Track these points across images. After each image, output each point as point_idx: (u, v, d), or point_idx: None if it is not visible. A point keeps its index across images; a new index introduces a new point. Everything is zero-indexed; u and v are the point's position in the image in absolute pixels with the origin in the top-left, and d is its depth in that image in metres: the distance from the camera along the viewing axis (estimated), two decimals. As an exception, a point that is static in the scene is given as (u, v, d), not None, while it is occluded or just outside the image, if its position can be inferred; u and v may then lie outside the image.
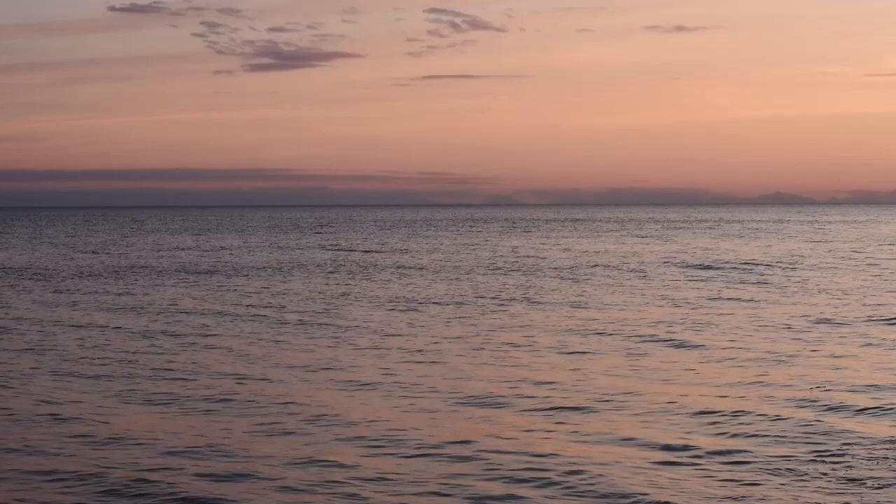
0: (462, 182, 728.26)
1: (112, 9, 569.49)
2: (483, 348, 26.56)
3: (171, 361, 24.98)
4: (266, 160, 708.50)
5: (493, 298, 39.63)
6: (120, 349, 27.21)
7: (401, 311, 35.48)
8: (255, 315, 34.82)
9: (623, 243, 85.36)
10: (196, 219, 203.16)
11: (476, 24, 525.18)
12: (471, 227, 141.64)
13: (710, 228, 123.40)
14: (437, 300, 39.11)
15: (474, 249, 77.35)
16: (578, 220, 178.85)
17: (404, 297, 40.27)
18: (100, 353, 26.48)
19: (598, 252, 71.96)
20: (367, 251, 75.83)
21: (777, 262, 59.05)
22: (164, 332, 30.55)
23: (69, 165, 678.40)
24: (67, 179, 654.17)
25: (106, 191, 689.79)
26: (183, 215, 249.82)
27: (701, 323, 31.29)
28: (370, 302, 38.68)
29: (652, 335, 28.47)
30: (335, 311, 35.95)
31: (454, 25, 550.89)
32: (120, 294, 43.15)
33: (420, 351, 26.28)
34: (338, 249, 79.28)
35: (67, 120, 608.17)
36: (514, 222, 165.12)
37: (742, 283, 45.47)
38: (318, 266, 59.88)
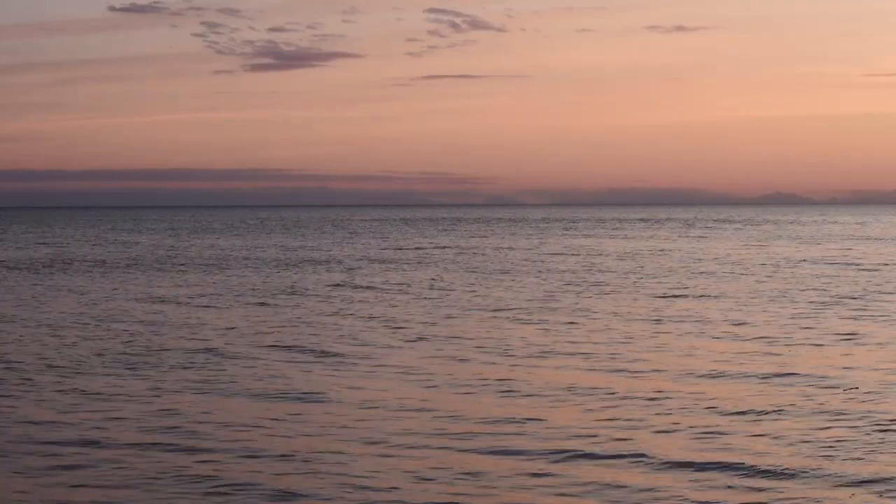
0: (462, 182, 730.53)
1: (112, 9, 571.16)
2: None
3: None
4: (266, 160, 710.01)
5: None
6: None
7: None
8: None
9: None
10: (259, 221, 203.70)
11: (476, 24, 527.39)
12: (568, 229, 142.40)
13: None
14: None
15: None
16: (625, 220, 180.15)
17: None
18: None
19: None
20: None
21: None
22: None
23: (69, 165, 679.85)
24: (67, 179, 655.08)
25: (106, 191, 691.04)
26: (182, 216, 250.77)
27: None
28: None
29: None
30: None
31: (454, 25, 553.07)
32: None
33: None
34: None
35: (67, 120, 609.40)
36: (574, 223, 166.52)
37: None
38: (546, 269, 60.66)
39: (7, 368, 23.95)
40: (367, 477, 14.33)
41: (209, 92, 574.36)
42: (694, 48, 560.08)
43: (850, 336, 28.34)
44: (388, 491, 13.71)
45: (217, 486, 14.04)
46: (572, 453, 15.55)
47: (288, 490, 13.80)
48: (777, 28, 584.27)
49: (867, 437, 16.34)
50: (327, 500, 13.42)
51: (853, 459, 15.08)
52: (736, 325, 31.24)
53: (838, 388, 20.56)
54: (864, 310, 34.89)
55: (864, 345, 26.78)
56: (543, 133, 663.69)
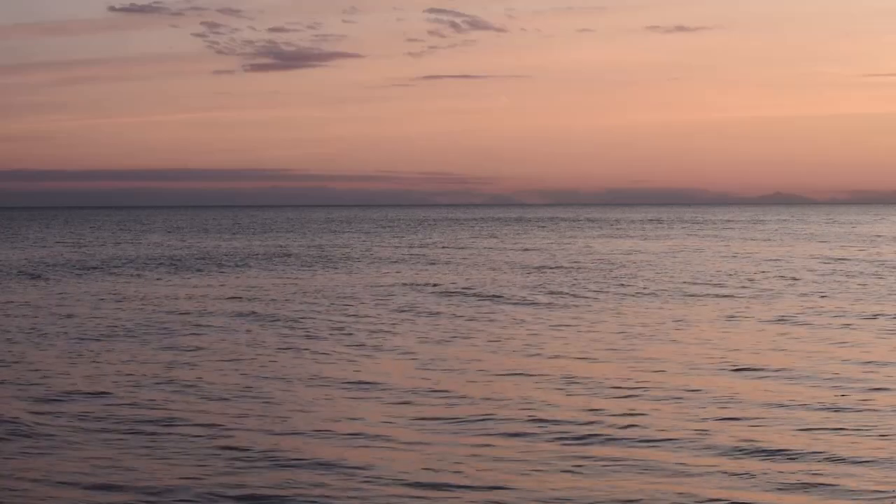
0: (462, 182, 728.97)
1: (112, 9, 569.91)
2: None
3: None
4: (266, 160, 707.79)
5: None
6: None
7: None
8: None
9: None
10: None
11: (476, 24, 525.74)
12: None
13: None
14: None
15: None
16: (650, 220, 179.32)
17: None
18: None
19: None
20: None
21: None
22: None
23: (69, 165, 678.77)
24: (67, 179, 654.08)
25: (106, 191, 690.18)
26: (185, 215, 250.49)
27: None
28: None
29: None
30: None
31: (454, 25, 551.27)
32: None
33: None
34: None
35: (67, 120, 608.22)
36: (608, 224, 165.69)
37: None
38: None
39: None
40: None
41: (209, 92, 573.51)
42: (694, 48, 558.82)
43: None
44: None
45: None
46: None
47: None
48: (777, 28, 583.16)
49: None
50: None
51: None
52: None
53: None
54: None
55: None
56: (543, 133, 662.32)
